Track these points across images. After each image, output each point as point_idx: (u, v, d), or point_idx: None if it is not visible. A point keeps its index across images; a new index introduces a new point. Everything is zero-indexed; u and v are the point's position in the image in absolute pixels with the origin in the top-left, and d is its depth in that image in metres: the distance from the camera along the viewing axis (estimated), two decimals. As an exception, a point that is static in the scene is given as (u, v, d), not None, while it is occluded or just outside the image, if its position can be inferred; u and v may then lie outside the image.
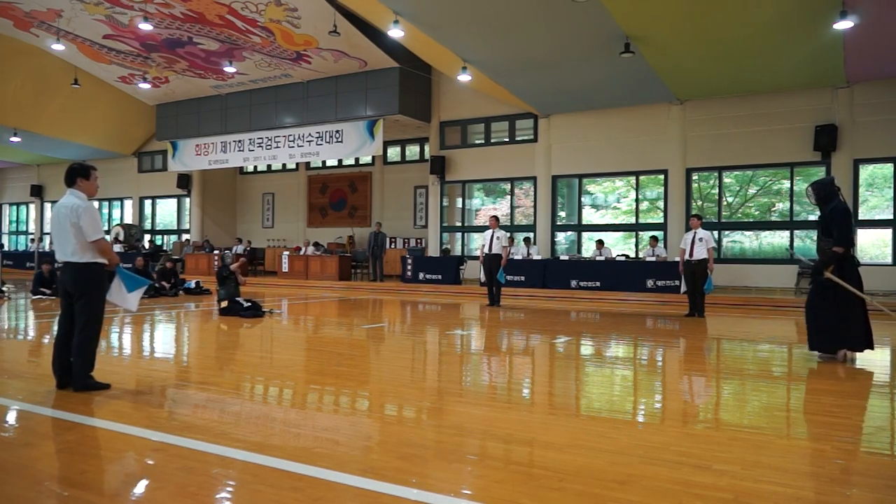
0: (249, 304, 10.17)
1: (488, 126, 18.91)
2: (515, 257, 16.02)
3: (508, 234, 13.38)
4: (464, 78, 15.14)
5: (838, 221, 6.16)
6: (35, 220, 29.87)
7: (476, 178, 19.30)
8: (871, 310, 6.55)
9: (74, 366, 4.73)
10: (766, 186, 16.25)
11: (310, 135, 19.22)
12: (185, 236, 24.52)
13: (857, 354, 6.45)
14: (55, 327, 4.92)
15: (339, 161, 22.41)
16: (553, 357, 7.05)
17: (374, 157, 20.89)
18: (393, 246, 20.46)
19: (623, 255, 16.09)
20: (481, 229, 18.21)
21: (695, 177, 16.44)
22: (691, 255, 10.19)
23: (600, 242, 15.74)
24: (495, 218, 12.47)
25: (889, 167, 14.39)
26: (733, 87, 14.99)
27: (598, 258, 15.16)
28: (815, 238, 15.28)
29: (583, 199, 18.25)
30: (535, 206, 18.20)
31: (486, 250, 12.08)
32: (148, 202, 26.49)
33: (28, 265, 23.14)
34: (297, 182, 23.89)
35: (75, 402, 4.45)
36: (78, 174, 4.92)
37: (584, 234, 18.28)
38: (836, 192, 6.36)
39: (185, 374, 5.78)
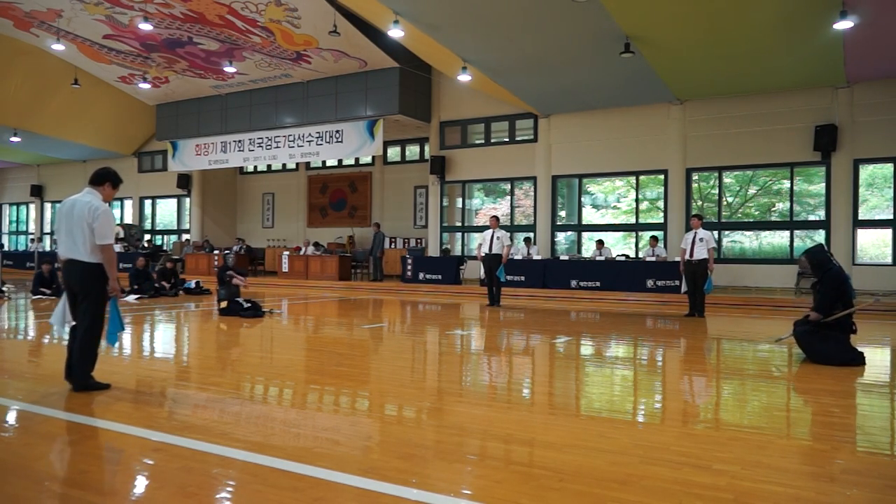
0: (249, 304, 10.17)
1: (488, 126, 18.91)
2: (516, 257, 16.03)
3: (508, 235, 13.41)
4: (464, 78, 15.14)
5: (825, 288, 6.32)
6: (35, 220, 29.86)
7: (476, 178, 19.30)
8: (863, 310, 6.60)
9: (76, 366, 4.68)
10: (766, 186, 16.25)
11: (310, 135, 19.22)
12: (185, 236, 24.51)
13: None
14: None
15: (339, 161, 22.41)
16: (553, 357, 7.05)
17: (374, 157, 20.88)
18: (393, 246, 20.48)
19: (623, 255, 16.09)
20: (481, 229, 18.21)
21: (695, 177, 16.44)
22: (692, 255, 10.20)
23: (600, 242, 15.74)
24: (496, 218, 12.50)
25: (889, 167, 14.38)
26: (733, 87, 14.98)
27: (597, 258, 15.17)
28: (813, 238, 15.33)
29: (583, 199, 18.25)
30: (535, 206, 18.20)
31: (485, 250, 12.10)
32: (148, 202, 26.49)
33: (28, 265, 23.15)
34: (297, 182, 23.89)
35: (75, 402, 4.45)
36: (110, 179, 4.89)
37: (584, 234, 18.28)
38: (829, 258, 6.52)
39: (185, 374, 5.78)
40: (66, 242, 4.72)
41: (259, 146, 20.27)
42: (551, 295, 14.65)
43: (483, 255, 12.18)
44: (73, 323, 4.80)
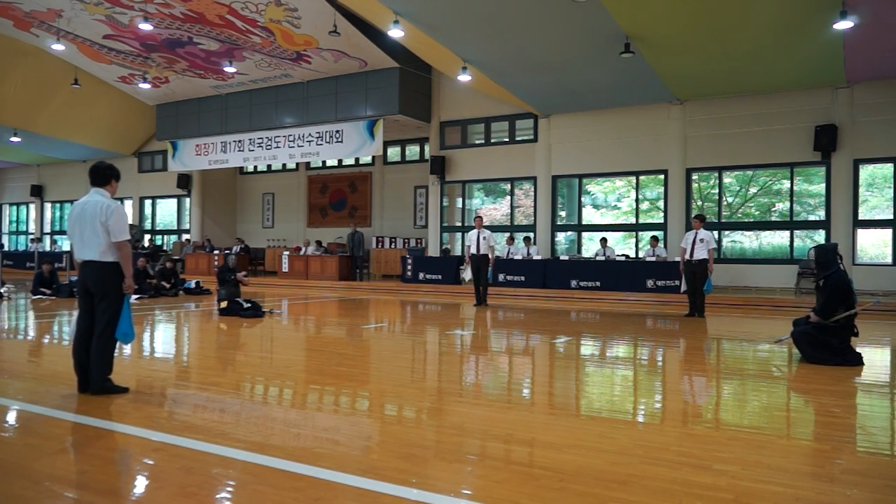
0: (249, 304, 10.17)
1: (488, 126, 18.91)
2: (516, 257, 16.08)
3: (493, 235, 13.55)
4: (464, 78, 15.14)
5: (827, 292, 6.29)
6: (35, 220, 29.86)
7: (476, 178, 19.30)
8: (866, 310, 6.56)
9: (93, 369, 4.62)
10: (766, 186, 16.25)
11: (310, 135, 19.22)
12: (185, 236, 24.52)
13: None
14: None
15: (339, 161, 22.42)
16: (553, 357, 7.05)
17: (374, 157, 20.89)
18: (393, 246, 20.50)
19: (623, 255, 16.10)
20: (481, 229, 18.22)
21: (695, 177, 16.44)
22: (692, 255, 10.20)
23: (604, 241, 15.78)
24: (480, 218, 12.72)
25: (889, 167, 14.38)
26: (733, 87, 14.99)
27: (599, 258, 15.17)
28: (813, 238, 15.33)
29: (583, 199, 18.25)
30: (535, 206, 18.20)
31: (472, 250, 12.20)
32: (148, 202, 26.49)
33: (28, 265, 23.14)
34: (297, 182, 23.89)
35: (75, 403, 4.45)
36: (114, 176, 4.87)
37: (584, 234, 18.28)
38: (836, 259, 6.46)
39: (185, 374, 5.78)
40: (79, 245, 4.70)
41: (259, 146, 20.27)
42: (551, 295, 14.65)
43: (470, 255, 12.29)
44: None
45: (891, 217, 14.37)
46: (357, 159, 21.72)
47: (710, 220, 15.77)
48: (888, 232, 14.47)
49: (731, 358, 7.05)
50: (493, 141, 18.92)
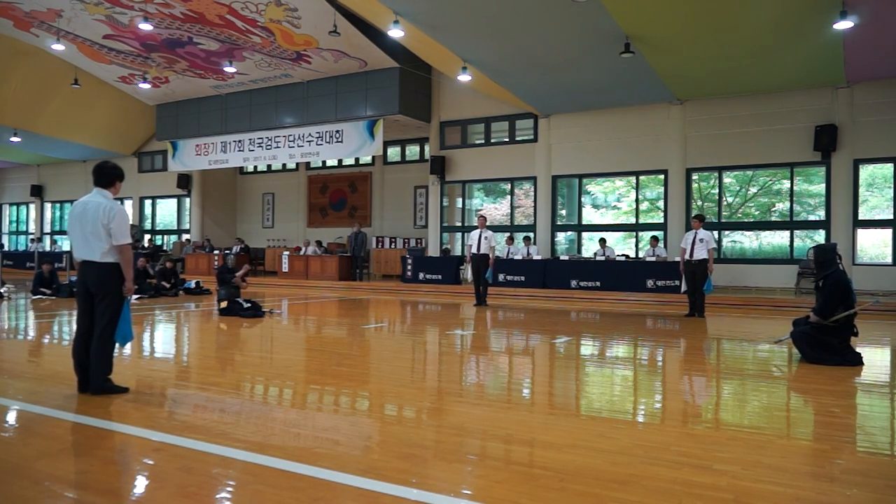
0: (249, 304, 10.17)
1: (488, 126, 18.91)
2: (515, 257, 16.08)
3: (495, 235, 13.53)
4: (464, 78, 15.14)
5: (827, 292, 6.28)
6: (35, 220, 29.86)
7: (476, 178, 19.30)
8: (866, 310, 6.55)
9: (93, 369, 4.62)
10: (766, 186, 16.25)
11: (310, 135, 19.22)
12: (185, 236, 24.52)
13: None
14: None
15: (339, 161, 22.42)
16: (553, 357, 7.05)
17: (374, 157, 20.90)
18: (393, 246, 20.50)
19: (623, 255, 16.09)
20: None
21: (695, 177, 16.44)
22: (691, 255, 10.20)
23: (603, 241, 15.77)
24: (483, 217, 12.64)
25: (889, 167, 14.38)
26: (733, 87, 14.98)
27: (599, 258, 15.17)
28: (813, 238, 15.33)
29: (583, 199, 18.25)
30: (535, 206, 18.20)
31: (473, 250, 12.20)
32: (148, 202, 26.50)
33: (28, 265, 23.15)
34: (297, 182, 23.89)
35: (75, 403, 4.45)
36: (118, 177, 4.86)
37: (584, 234, 18.28)
38: (835, 259, 6.44)
39: (185, 374, 5.78)
40: (80, 244, 4.67)
41: (259, 146, 20.27)
42: (551, 295, 14.65)
43: (471, 255, 12.29)
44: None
45: (891, 217, 14.37)
46: (357, 159, 21.73)
47: (709, 220, 15.78)
48: (888, 232, 14.47)
49: (731, 358, 7.05)
50: (493, 141, 18.92)
